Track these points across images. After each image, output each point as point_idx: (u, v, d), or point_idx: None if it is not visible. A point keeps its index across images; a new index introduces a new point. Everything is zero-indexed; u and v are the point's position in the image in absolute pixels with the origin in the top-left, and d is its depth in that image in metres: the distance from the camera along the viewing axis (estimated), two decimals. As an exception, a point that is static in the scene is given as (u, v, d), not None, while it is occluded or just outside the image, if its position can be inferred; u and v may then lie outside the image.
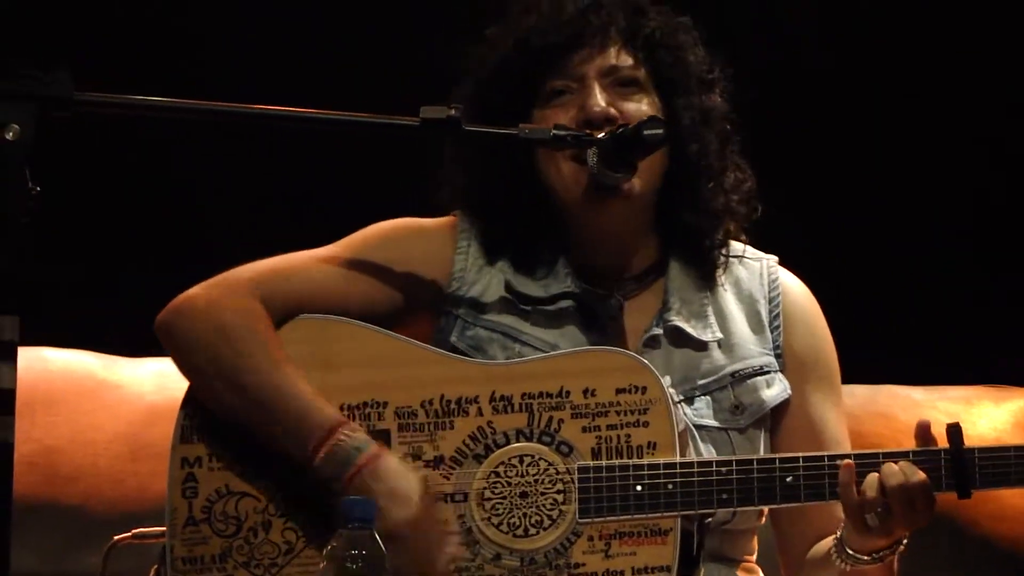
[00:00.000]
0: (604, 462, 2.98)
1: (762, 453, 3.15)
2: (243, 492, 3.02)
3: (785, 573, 3.25)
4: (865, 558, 3.00)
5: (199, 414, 3.05)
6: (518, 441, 3.01)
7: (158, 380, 4.16)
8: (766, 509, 3.18)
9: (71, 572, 4.00)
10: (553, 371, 3.02)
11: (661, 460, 2.97)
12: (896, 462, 2.95)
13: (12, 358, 2.55)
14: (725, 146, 3.21)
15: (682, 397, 3.14)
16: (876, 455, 2.97)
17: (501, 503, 2.99)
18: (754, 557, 3.24)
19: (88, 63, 2.92)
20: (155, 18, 4.69)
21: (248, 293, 3.09)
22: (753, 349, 3.21)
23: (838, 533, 3.03)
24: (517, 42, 3.19)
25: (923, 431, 2.97)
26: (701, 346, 3.18)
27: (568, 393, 3.01)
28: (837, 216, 4.74)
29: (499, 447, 3.01)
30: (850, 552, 3.00)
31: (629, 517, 2.95)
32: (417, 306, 3.18)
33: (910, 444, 3.01)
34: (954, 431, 2.96)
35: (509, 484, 2.99)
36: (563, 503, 2.98)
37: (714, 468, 2.97)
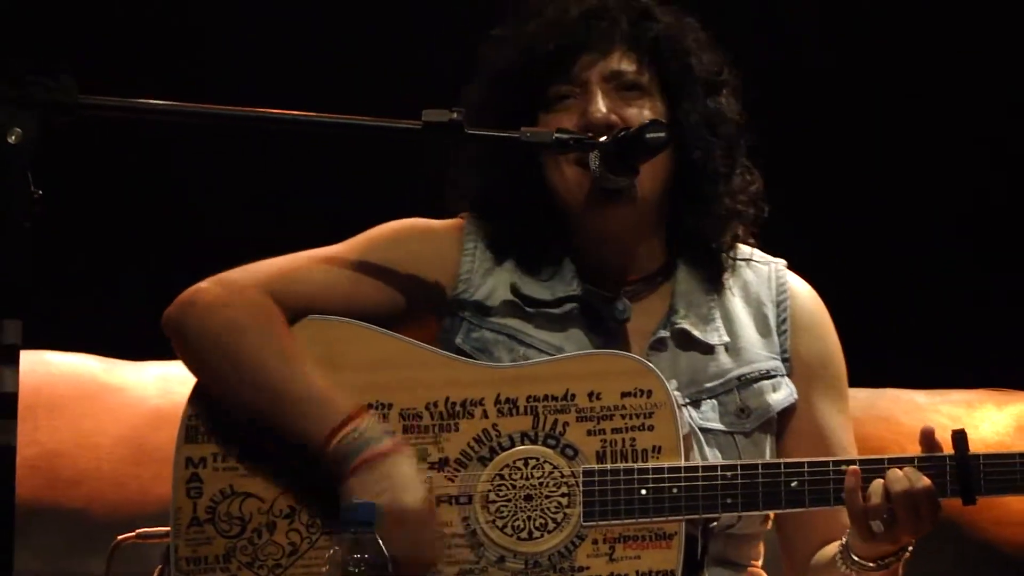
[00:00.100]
0: (609, 465, 2.98)
1: (768, 457, 3.15)
2: (247, 493, 3.02)
3: (789, 579, 3.25)
4: (871, 565, 2.99)
5: (204, 414, 3.05)
6: (523, 444, 3.01)
7: (161, 384, 4.16)
8: (772, 514, 3.17)
9: (74, 575, 4.00)
10: (558, 374, 3.02)
11: (666, 464, 2.96)
12: (901, 468, 2.94)
13: (15, 361, 2.55)
14: (732, 149, 3.20)
15: (688, 400, 3.13)
16: (881, 461, 2.96)
17: (505, 506, 2.99)
18: (760, 562, 3.23)
19: (90, 65, 2.93)
20: (158, 20, 4.69)
21: (259, 290, 3.09)
22: (760, 353, 3.20)
23: (843, 539, 3.02)
24: (521, 47, 3.19)
25: (927, 437, 2.97)
26: (708, 349, 3.18)
27: (573, 396, 3.01)
28: (838, 218, 4.74)
29: (504, 450, 3.01)
30: (855, 559, 3.00)
31: (633, 521, 2.95)
32: (423, 307, 3.18)
33: (913, 448, 3.01)
34: (959, 437, 2.95)
35: (514, 487, 2.99)
36: (567, 506, 2.98)
37: (719, 472, 2.96)
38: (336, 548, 2.59)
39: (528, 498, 2.99)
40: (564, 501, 2.98)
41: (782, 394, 3.19)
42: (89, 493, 4.06)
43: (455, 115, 2.94)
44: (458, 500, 3.00)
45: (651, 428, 2.98)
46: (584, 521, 2.97)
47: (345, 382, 3.03)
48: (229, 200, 4.72)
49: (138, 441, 4.10)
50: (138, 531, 3.23)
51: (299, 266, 3.15)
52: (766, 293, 3.26)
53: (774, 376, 3.20)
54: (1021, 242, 4.80)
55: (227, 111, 2.95)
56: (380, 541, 2.62)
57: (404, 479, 2.93)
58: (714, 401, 3.15)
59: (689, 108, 3.16)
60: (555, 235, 3.21)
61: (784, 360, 3.22)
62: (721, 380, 3.17)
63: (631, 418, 2.98)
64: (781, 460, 3.02)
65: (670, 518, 2.95)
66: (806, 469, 2.97)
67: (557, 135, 3.04)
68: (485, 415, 3.02)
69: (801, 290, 3.28)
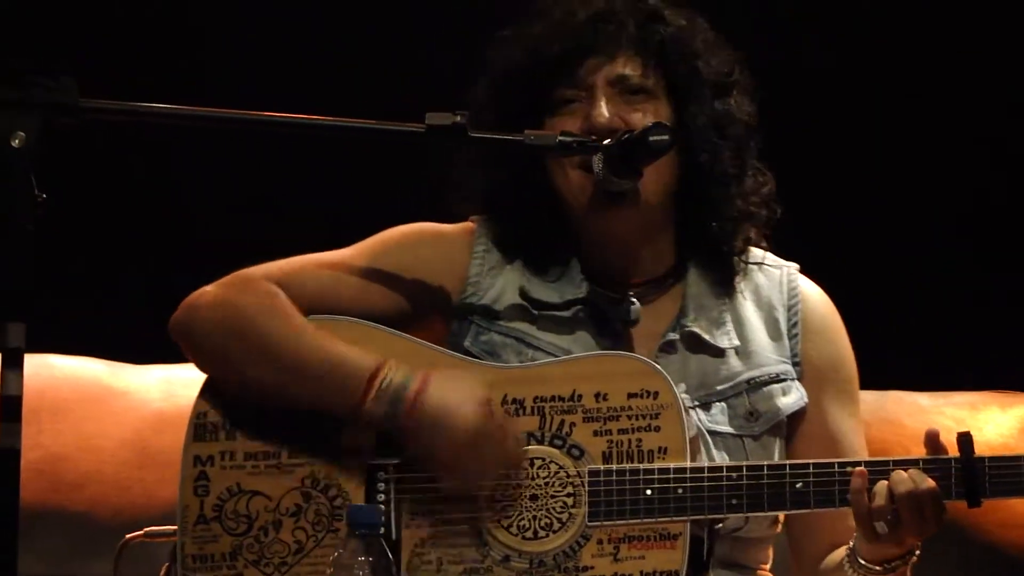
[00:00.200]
0: (615, 466, 2.98)
1: (776, 461, 3.14)
2: (255, 491, 3.03)
3: (798, 583, 3.25)
4: (877, 568, 2.99)
5: (213, 413, 3.06)
6: (529, 444, 3.01)
7: (164, 387, 4.16)
8: (781, 517, 3.17)
9: (77, 578, 4.01)
10: (566, 375, 3.03)
11: (671, 464, 2.96)
12: (906, 469, 2.94)
13: (19, 365, 2.55)
14: (741, 150, 3.19)
15: (697, 403, 3.13)
16: (886, 463, 2.96)
17: (511, 505, 2.99)
18: (768, 566, 3.23)
19: (90, 67, 2.93)
20: (159, 22, 4.69)
21: (263, 281, 3.10)
22: (770, 357, 3.20)
23: (850, 543, 3.02)
24: (527, 49, 3.19)
25: (932, 440, 2.97)
26: (718, 352, 3.18)
27: (580, 397, 3.01)
28: (841, 220, 4.74)
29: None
30: (862, 562, 2.99)
31: (639, 521, 2.95)
32: (430, 311, 3.19)
33: (917, 450, 3.01)
34: (965, 440, 2.95)
35: (519, 486, 3.00)
36: (573, 506, 2.98)
37: (724, 473, 2.96)
38: (341, 550, 2.60)
39: (534, 498, 2.99)
40: (569, 501, 2.98)
41: (792, 398, 3.19)
42: (92, 496, 4.06)
43: (459, 118, 2.94)
44: (468, 497, 3.00)
45: (657, 429, 2.98)
46: (589, 521, 2.97)
47: None
48: (232, 203, 4.71)
49: (141, 444, 4.10)
50: (146, 529, 3.23)
51: (306, 267, 3.15)
52: (777, 297, 3.25)
53: (784, 380, 3.20)
54: (1024, 243, 4.81)
55: (229, 114, 2.95)
56: (383, 544, 2.62)
57: (455, 400, 2.95)
58: (723, 404, 3.15)
59: (696, 111, 3.16)
60: (562, 237, 3.21)
61: (795, 364, 3.21)
62: (731, 383, 3.17)
63: (637, 419, 2.99)
64: (786, 462, 3.03)
65: (675, 518, 2.95)
66: (811, 471, 2.97)
67: (560, 138, 3.03)
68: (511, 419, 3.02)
69: (813, 294, 3.27)
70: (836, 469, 2.97)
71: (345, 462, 3.02)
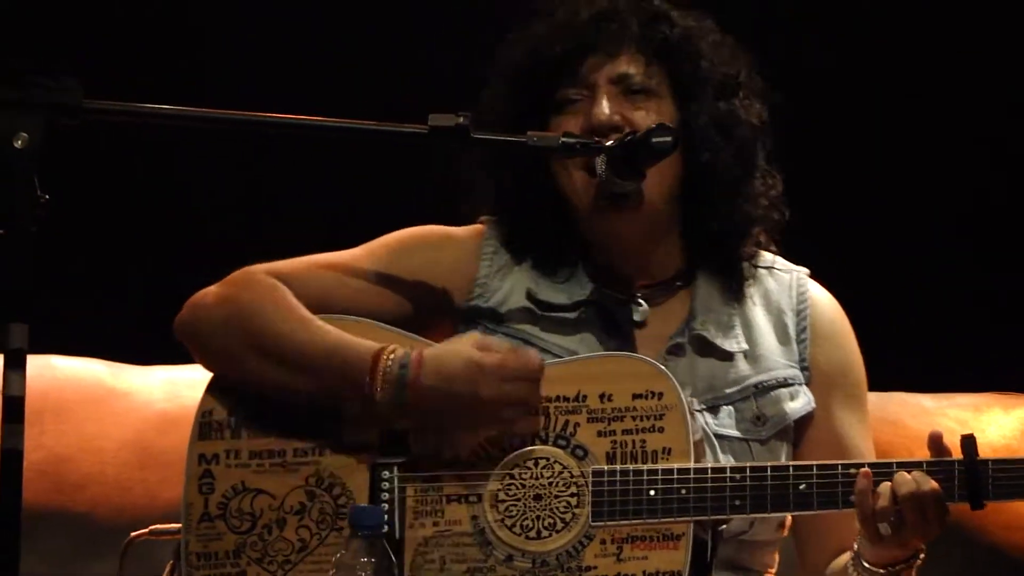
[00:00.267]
0: (618, 466, 2.98)
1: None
2: (259, 489, 3.04)
3: (805, 587, 3.25)
4: (881, 571, 2.98)
5: (218, 411, 3.06)
6: (533, 444, 3.01)
7: (167, 388, 4.16)
8: (788, 521, 3.17)
9: (79, 579, 4.02)
10: (571, 375, 3.03)
11: (675, 465, 2.96)
12: (909, 471, 2.94)
13: (21, 366, 2.55)
14: (746, 151, 3.18)
15: (705, 406, 3.13)
16: (890, 464, 2.96)
17: (515, 505, 2.99)
18: (775, 570, 3.22)
19: (91, 67, 2.93)
20: (161, 23, 4.70)
21: (266, 276, 3.11)
22: (779, 361, 3.20)
23: (854, 546, 3.02)
24: (529, 50, 3.19)
25: (936, 442, 2.96)
26: (726, 356, 3.18)
27: (585, 397, 3.01)
28: (842, 221, 4.73)
29: (514, 449, 3.01)
30: (866, 565, 2.99)
31: (642, 521, 2.95)
32: (437, 313, 3.19)
33: (920, 451, 3.00)
34: (968, 442, 2.95)
35: (523, 486, 3.00)
36: (576, 506, 2.98)
37: (728, 475, 2.96)
38: (344, 551, 2.60)
39: (537, 498, 2.99)
40: (573, 501, 2.98)
41: (799, 403, 3.19)
42: (95, 497, 4.06)
43: (461, 119, 2.94)
44: (467, 499, 3.00)
45: (661, 430, 2.98)
46: (592, 521, 2.97)
47: None
48: (234, 204, 4.72)
49: (144, 445, 4.10)
50: (151, 527, 3.23)
51: (311, 266, 3.15)
52: (787, 302, 3.25)
53: (792, 384, 3.19)
54: (1028, 245, 4.81)
55: (232, 115, 2.95)
56: (386, 545, 2.62)
57: (449, 378, 2.95)
58: (731, 408, 3.15)
59: (698, 110, 3.15)
60: (569, 239, 3.21)
61: (803, 369, 3.21)
62: (738, 387, 3.16)
63: (642, 420, 2.99)
64: (790, 463, 3.02)
65: (678, 519, 2.95)
66: (815, 472, 2.96)
67: (564, 139, 3.03)
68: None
69: (822, 299, 3.27)
70: (840, 471, 2.96)
71: (350, 461, 3.02)
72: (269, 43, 4.68)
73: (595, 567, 2.96)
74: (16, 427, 2.53)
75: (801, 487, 2.96)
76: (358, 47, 4.69)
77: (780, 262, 3.29)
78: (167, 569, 3.05)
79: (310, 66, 4.65)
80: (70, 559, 4.04)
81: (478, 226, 3.27)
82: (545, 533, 2.98)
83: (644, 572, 2.94)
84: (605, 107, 3.13)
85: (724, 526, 3.01)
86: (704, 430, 3.08)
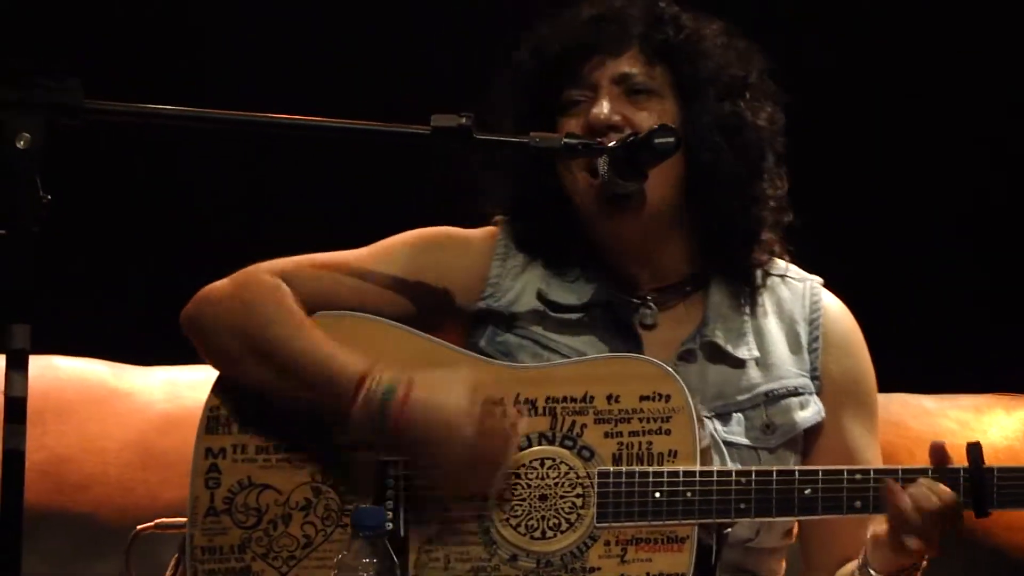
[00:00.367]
0: (624, 468, 2.98)
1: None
2: (265, 484, 3.04)
3: (811, 594, 3.24)
4: None
5: (225, 406, 3.07)
6: (540, 444, 3.01)
7: (169, 389, 4.16)
8: (795, 529, 3.17)
9: (80, 580, 4.02)
10: (579, 376, 3.03)
11: (681, 468, 2.96)
12: (935, 485, 2.91)
13: (23, 366, 2.55)
14: (751, 154, 3.18)
15: (714, 413, 3.13)
16: (895, 471, 2.95)
17: (520, 505, 3.00)
18: (780, 576, 3.23)
19: (92, 67, 2.93)
20: (163, 23, 4.70)
21: (271, 275, 3.11)
22: (790, 370, 3.20)
23: (861, 555, 3.01)
24: (534, 52, 3.20)
25: (938, 452, 2.95)
26: (738, 363, 3.17)
27: (592, 398, 3.01)
28: (843, 221, 4.73)
29: (521, 449, 3.01)
30: (873, 573, 2.99)
31: (646, 523, 2.95)
32: (447, 313, 3.19)
33: (921, 452, 3.00)
34: (974, 450, 2.94)
35: (529, 486, 3.00)
36: (581, 507, 2.98)
37: (733, 478, 2.96)
38: (346, 552, 2.60)
39: (543, 498, 2.99)
40: (578, 502, 2.98)
41: (809, 412, 3.18)
42: (96, 498, 4.06)
43: (464, 120, 2.94)
44: (473, 497, 3.00)
45: (668, 432, 2.98)
46: (597, 522, 2.97)
47: None
48: (236, 205, 4.72)
49: (145, 446, 4.10)
50: (156, 521, 3.23)
51: (320, 265, 3.16)
52: (799, 311, 3.24)
53: (802, 394, 3.19)
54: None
55: (234, 116, 2.95)
56: (388, 545, 2.62)
57: (442, 399, 2.94)
58: (740, 415, 3.15)
59: (700, 111, 3.15)
60: (578, 240, 3.20)
61: (814, 378, 3.21)
62: (749, 395, 3.16)
63: (648, 422, 2.99)
64: (795, 468, 3.02)
65: (683, 521, 2.95)
66: (820, 477, 2.96)
67: (566, 140, 3.04)
68: (504, 415, 3.01)
69: (835, 309, 3.26)
70: (845, 476, 2.96)
71: (355, 458, 3.02)
72: (271, 43, 4.68)
73: (599, 568, 2.96)
74: (18, 427, 2.53)
75: (806, 492, 2.96)
76: (360, 47, 4.69)
77: (793, 270, 3.28)
78: (172, 563, 3.06)
79: (312, 66, 4.65)
80: (71, 560, 4.03)
81: (492, 228, 3.27)
82: (550, 533, 2.98)
83: (648, 574, 2.94)
84: (604, 107, 3.13)
85: (728, 530, 3.01)
86: (713, 436, 3.08)
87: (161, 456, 4.06)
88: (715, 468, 3.00)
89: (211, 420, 3.06)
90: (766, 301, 3.24)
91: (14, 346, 2.55)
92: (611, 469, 2.98)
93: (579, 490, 2.99)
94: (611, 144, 3.08)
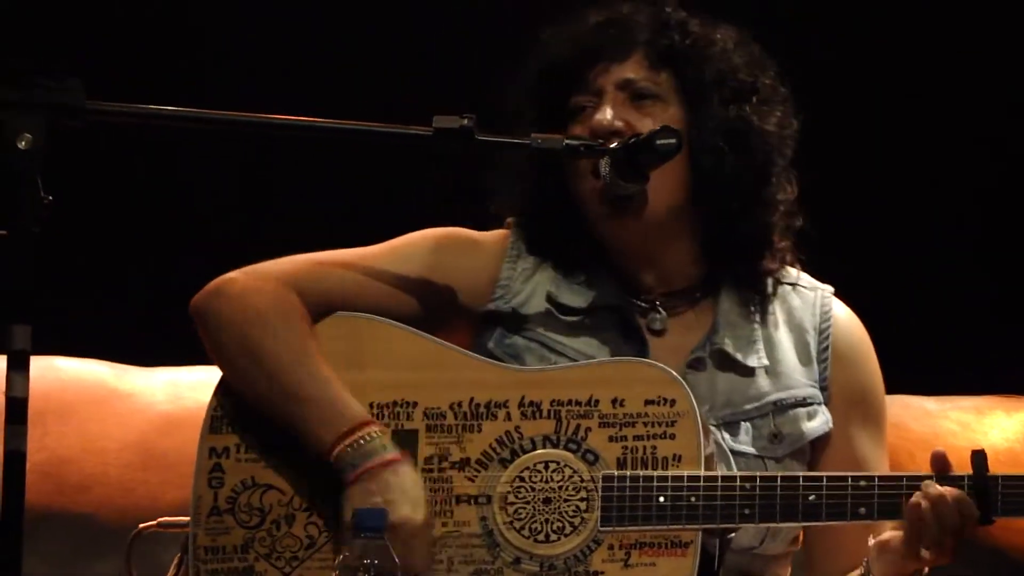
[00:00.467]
0: (628, 472, 2.98)
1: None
2: (268, 484, 3.04)
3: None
4: None
5: (229, 405, 3.07)
6: (544, 447, 3.01)
7: (170, 389, 4.16)
8: (801, 535, 3.17)
9: (81, 581, 4.01)
10: (584, 379, 3.03)
11: (685, 473, 2.96)
12: (950, 495, 2.91)
13: (24, 367, 2.54)
14: (757, 160, 3.16)
15: (722, 422, 3.12)
16: (900, 478, 2.95)
17: (524, 508, 3.00)
18: (786, 583, 3.23)
19: (91, 67, 2.93)
20: (164, 24, 4.70)
21: (286, 284, 3.09)
22: (799, 380, 3.19)
23: (864, 563, 3.01)
24: (541, 58, 3.20)
25: (940, 461, 2.94)
26: (747, 372, 3.17)
27: (597, 402, 3.01)
28: (844, 222, 4.73)
29: (525, 452, 3.01)
30: None
31: (650, 528, 2.95)
32: (455, 314, 3.19)
33: (922, 454, 3.00)
34: (979, 458, 2.94)
35: (533, 489, 3.00)
36: (585, 511, 2.98)
37: (738, 483, 2.96)
38: (346, 553, 2.60)
39: (547, 501, 2.99)
40: (582, 505, 2.98)
41: (817, 422, 3.18)
42: (97, 498, 4.06)
43: (466, 121, 2.94)
44: (477, 500, 3.00)
45: (672, 437, 2.98)
46: (601, 526, 2.97)
47: (371, 379, 3.05)
48: (237, 205, 4.72)
49: (146, 447, 4.10)
50: (159, 519, 3.23)
51: (330, 263, 3.15)
52: (809, 320, 3.24)
53: (811, 404, 3.18)
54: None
55: (235, 117, 2.95)
56: (390, 547, 2.62)
57: (403, 490, 2.93)
58: (748, 424, 3.14)
59: (704, 115, 3.15)
60: (588, 243, 3.20)
61: (822, 389, 3.20)
62: (757, 404, 3.15)
63: (653, 426, 2.98)
64: (800, 473, 3.02)
65: (687, 526, 2.94)
66: (824, 483, 2.96)
67: (567, 142, 3.04)
68: (508, 417, 3.02)
69: (845, 319, 3.25)
70: (849, 483, 2.95)
71: None
72: (271, 43, 4.68)
73: (602, 572, 2.95)
74: (19, 428, 2.53)
75: (810, 498, 2.95)
76: (360, 47, 4.69)
77: (805, 278, 3.28)
78: (175, 562, 3.05)
79: (312, 66, 4.65)
80: (72, 560, 4.03)
81: (503, 231, 3.27)
82: (554, 537, 2.98)
83: None
84: (607, 113, 3.13)
85: (732, 535, 3.01)
86: (719, 446, 3.08)
87: (162, 457, 4.06)
88: (719, 473, 2.99)
89: (215, 419, 3.06)
90: (776, 309, 3.23)
91: (15, 347, 2.54)
92: (615, 473, 2.98)
93: (583, 494, 2.99)
94: (612, 146, 3.08)
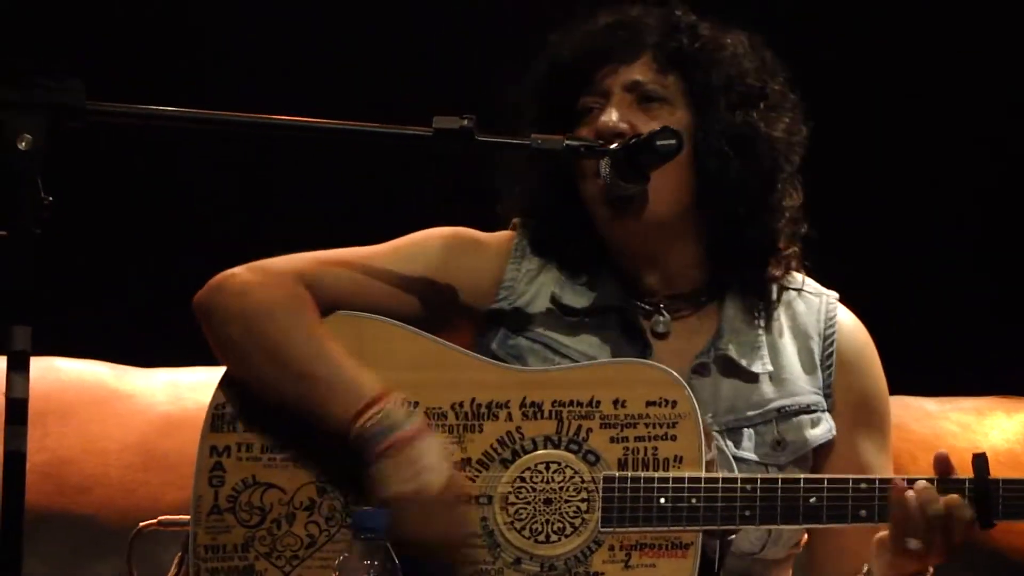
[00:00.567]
0: (629, 473, 2.98)
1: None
2: (269, 483, 3.04)
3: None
4: None
5: (231, 404, 3.07)
6: (546, 448, 3.01)
7: (170, 390, 4.16)
8: (804, 537, 3.16)
9: (81, 582, 4.02)
10: (585, 380, 3.03)
11: (686, 474, 2.96)
12: (941, 493, 2.91)
13: (24, 368, 2.54)
14: (763, 164, 3.16)
15: (725, 428, 3.12)
16: (901, 480, 2.95)
17: (525, 508, 3.00)
18: (788, 585, 3.23)
19: (91, 67, 2.93)
20: (164, 24, 4.70)
21: (291, 279, 3.09)
22: (803, 387, 3.18)
23: (865, 567, 3.01)
24: (549, 60, 3.20)
25: (942, 463, 2.94)
26: (751, 378, 3.16)
27: (598, 403, 3.01)
28: (844, 223, 4.72)
29: (526, 453, 3.01)
30: None
31: (651, 529, 2.95)
32: (459, 314, 3.18)
33: (923, 455, 3.01)
34: (980, 461, 2.93)
35: (534, 490, 3.00)
36: (586, 511, 2.98)
37: (739, 485, 2.96)
38: (347, 554, 2.60)
39: (547, 502, 2.99)
40: (583, 506, 2.98)
41: (820, 429, 3.17)
42: (98, 499, 4.06)
43: (466, 122, 2.94)
44: (478, 500, 3.00)
45: (674, 438, 2.98)
46: (602, 527, 2.97)
47: None
48: (238, 206, 4.72)
49: (147, 447, 4.10)
50: (160, 518, 3.23)
51: (335, 261, 3.15)
52: (814, 326, 3.23)
53: (814, 411, 3.17)
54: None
55: (235, 117, 2.95)
56: (390, 547, 2.62)
57: (432, 463, 2.93)
58: (751, 431, 3.14)
59: (711, 119, 3.14)
60: (593, 244, 3.20)
61: (826, 396, 3.19)
62: (761, 410, 3.15)
63: (654, 427, 2.98)
64: (801, 475, 3.01)
65: (687, 528, 2.94)
66: (825, 485, 2.96)
67: (568, 142, 3.04)
68: (510, 418, 3.02)
69: (850, 325, 3.24)
70: (850, 485, 2.95)
71: (361, 458, 3.02)
72: (271, 43, 4.68)
73: (603, 573, 2.95)
74: (19, 429, 2.53)
75: (811, 500, 2.95)
76: (360, 47, 4.69)
77: (810, 284, 3.27)
78: (176, 560, 3.06)
79: (312, 66, 4.66)
80: (72, 561, 4.03)
81: (508, 231, 3.27)
82: (554, 537, 2.98)
83: None
84: (612, 115, 3.13)
85: (732, 537, 3.01)
86: (723, 451, 3.07)
87: (162, 458, 4.06)
88: (720, 475, 2.99)
89: (216, 418, 3.06)
90: (781, 316, 3.23)
91: (15, 347, 2.54)
92: (616, 474, 2.98)
93: (584, 494, 2.99)
94: (613, 146, 3.08)
